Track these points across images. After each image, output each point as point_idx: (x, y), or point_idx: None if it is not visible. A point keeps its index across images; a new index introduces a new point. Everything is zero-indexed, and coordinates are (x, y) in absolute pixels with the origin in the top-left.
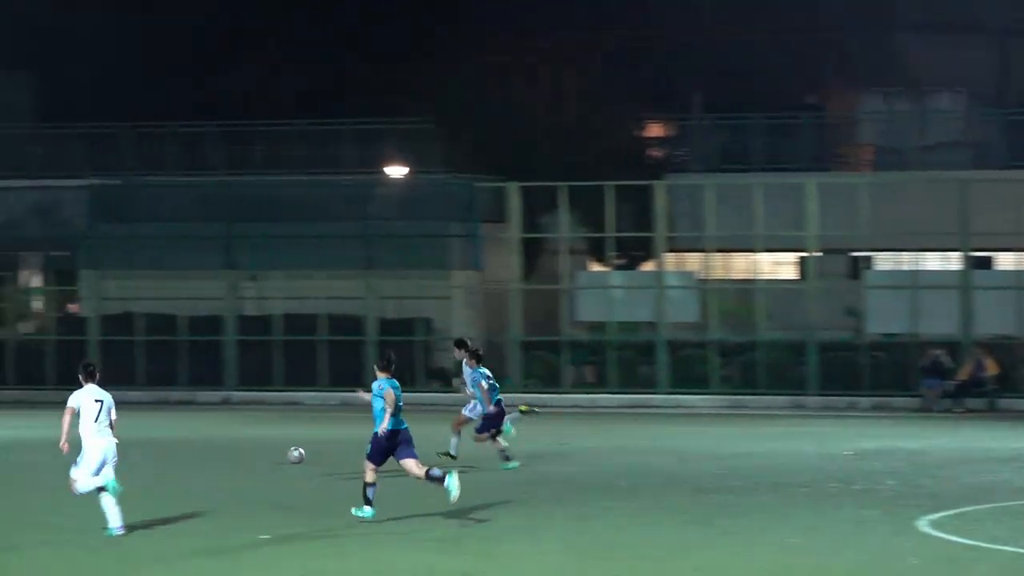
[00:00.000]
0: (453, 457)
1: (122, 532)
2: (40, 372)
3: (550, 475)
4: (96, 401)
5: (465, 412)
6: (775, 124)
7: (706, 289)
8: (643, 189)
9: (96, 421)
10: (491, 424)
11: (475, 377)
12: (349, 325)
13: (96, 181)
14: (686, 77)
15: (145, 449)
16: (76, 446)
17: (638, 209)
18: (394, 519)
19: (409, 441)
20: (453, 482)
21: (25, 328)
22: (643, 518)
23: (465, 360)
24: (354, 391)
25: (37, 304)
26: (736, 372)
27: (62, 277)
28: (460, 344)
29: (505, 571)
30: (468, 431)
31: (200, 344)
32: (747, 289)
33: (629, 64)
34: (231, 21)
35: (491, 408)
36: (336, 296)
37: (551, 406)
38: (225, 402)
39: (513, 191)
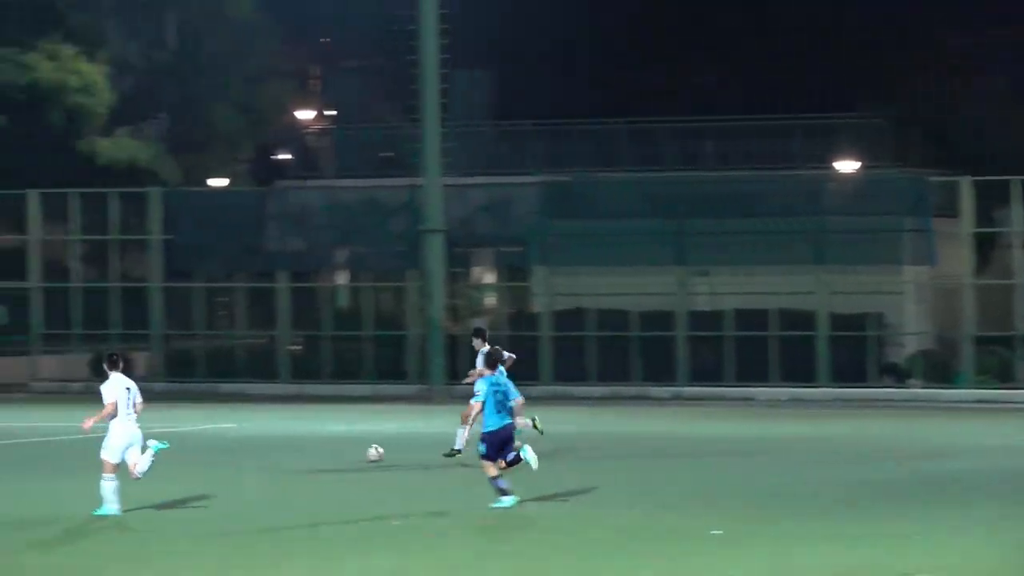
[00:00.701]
0: (458, 452)
1: (116, 513)
2: None
3: (997, 472)
4: (125, 389)
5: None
6: None
7: None
8: None
9: (126, 407)
10: None
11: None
12: (800, 320)
13: (548, 178)
14: None
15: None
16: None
17: None
18: (825, 517)
19: (513, 438)
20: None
21: (477, 324)
22: None
23: (483, 353)
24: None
25: (490, 300)
26: None
27: (514, 273)
28: (479, 334)
29: (954, 571)
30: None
31: (651, 339)
32: None
33: None
34: (687, 18)
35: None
36: (787, 292)
37: (1006, 402)
38: (676, 397)
39: (966, 186)
